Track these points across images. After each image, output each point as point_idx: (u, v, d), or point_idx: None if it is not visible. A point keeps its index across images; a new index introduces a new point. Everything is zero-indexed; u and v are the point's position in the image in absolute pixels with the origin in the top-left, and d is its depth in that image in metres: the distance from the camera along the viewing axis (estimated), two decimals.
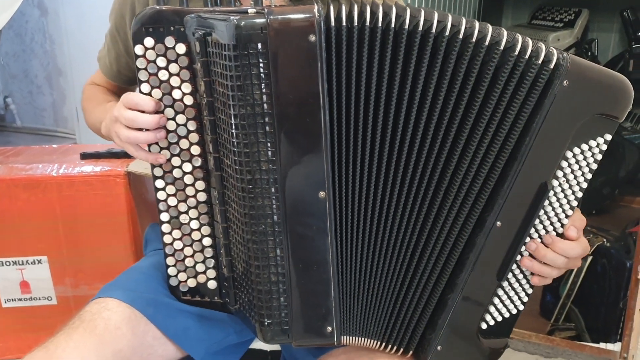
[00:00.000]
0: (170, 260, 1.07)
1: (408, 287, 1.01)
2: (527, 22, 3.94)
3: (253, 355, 1.27)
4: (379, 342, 1.04)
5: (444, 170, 0.94)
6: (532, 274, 1.00)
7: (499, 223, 0.95)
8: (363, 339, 1.04)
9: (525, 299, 1.03)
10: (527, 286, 1.02)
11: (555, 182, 0.95)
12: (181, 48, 0.97)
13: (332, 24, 0.86)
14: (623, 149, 3.22)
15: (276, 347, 1.28)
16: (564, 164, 0.94)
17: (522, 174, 0.93)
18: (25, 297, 2.07)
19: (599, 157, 0.94)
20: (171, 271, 1.08)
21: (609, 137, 0.93)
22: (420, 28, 0.87)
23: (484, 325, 1.03)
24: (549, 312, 2.34)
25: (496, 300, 1.02)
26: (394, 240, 0.98)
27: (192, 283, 1.08)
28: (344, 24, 0.87)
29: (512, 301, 1.03)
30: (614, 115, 0.92)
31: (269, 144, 0.90)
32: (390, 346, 1.04)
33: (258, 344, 1.26)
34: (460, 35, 0.87)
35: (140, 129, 0.98)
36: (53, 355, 0.97)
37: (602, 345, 2.09)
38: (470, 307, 1.01)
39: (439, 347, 1.02)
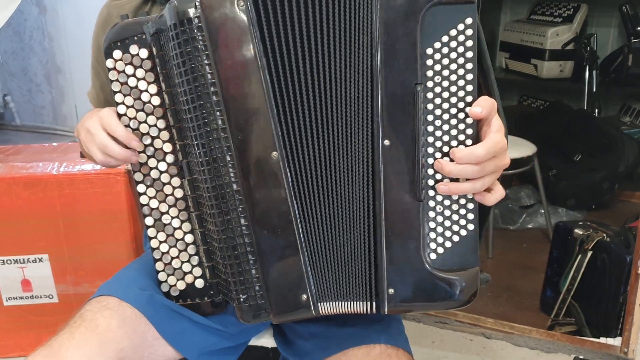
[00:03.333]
0: (159, 265, 1.09)
1: (357, 232, 0.99)
2: (526, 18, 3.95)
3: (254, 353, 1.28)
4: (359, 303, 1.01)
5: (346, 103, 0.96)
6: (462, 205, 0.97)
7: (387, 142, 0.94)
8: (342, 303, 1.01)
9: (471, 217, 0.97)
10: (463, 201, 0.97)
11: (430, 83, 0.93)
12: (144, 53, 1.03)
13: None
14: (622, 143, 3.23)
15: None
16: (429, 61, 0.92)
17: (385, 86, 0.93)
18: (26, 295, 2.07)
19: (470, 43, 0.92)
20: (161, 276, 1.09)
21: (469, 20, 0.91)
22: None
23: (433, 256, 0.98)
24: (549, 307, 2.35)
25: (433, 224, 0.97)
26: (342, 185, 0.98)
27: (181, 285, 1.09)
28: None
29: (453, 222, 0.97)
30: (452, 1, 0.91)
31: (218, 113, 0.94)
32: (364, 303, 1.01)
33: (259, 341, 1.27)
34: None
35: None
36: (57, 354, 0.97)
37: (602, 339, 2.10)
38: (402, 236, 0.97)
39: (390, 291, 0.98)
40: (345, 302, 1.02)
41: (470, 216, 0.97)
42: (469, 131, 0.94)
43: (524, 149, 2.84)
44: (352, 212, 0.99)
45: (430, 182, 0.96)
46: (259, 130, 0.95)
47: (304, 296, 0.99)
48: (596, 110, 3.62)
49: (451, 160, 0.93)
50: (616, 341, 2.06)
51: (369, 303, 1.01)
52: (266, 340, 1.26)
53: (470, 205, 0.97)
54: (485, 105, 0.92)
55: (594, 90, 3.57)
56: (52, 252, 2.02)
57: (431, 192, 0.96)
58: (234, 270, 0.99)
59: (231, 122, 0.94)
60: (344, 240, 1.00)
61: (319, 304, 1.01)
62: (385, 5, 0.92)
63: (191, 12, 0.92)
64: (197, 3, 0.92)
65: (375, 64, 0.93)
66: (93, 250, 2.01)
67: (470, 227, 0.98)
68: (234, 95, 0.94)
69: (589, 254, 2.20)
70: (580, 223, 2.34)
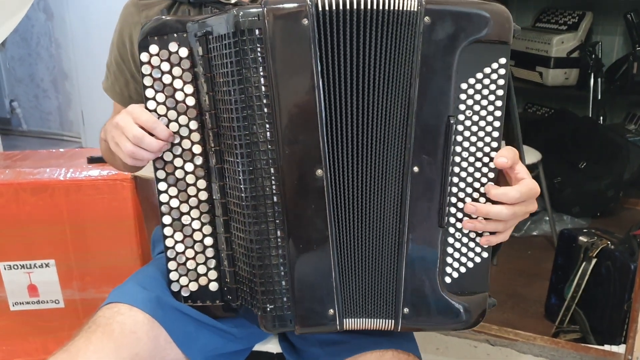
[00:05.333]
0: (171, 265, 1.08)
1: (385, 253, 1.02)
2: (531, 25, 3.96)
3: (259, 357, 1.28)
4: (382, 320, 1.04)
5: (383, 128, 0.98)
6: (479, 234, 1.01)
7: (415, 168, 0.97)
8: (365, 320, 1.04)
9: (486, 245, 1.02)
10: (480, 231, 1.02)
11: (461, 117, 0.97)
12: (184, 52, 1.01)
13: (320, 8, 0.92)
14: (627, 151, 3.23)
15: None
16: (463, 96, 0.96)
17: (419, 115, 0.96)
18: (32, 300, 2.08)
19: (501, 82, 0.96)
20: (173, 276, 1.09)
21: (503, 60, 0.95)
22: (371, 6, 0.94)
23: (448, 280, 1.02)
24: (554, 314, 2.35)
25: (450, 250, 1.01)
26: (375, 207, 1.00)
27: (193, 287, 1.09)
28: (334, 8, 0.92)
29: (469, 248, 1.02)
30: (494, 39, 0.95)
31: (267, 125, 0.95)
32: (385, 321, 1.04)
33: (264, 347, 1.27)
34: (374, 6, 0.93)
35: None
36: (75, 359, 0.98)
37: (606, 347, 2.09)
38: (422, 259, 1.00)
39: (405, 310, 1.01)
40: (369, 319, 1.04)
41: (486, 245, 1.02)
42: (493, 165, 0.98)
43: (529, 156, 2.85)
44: (382, 234, 1.01)
45: (453, 210, 1.00)
46: (307, 147, 0.95)
47: (331, 311, 1.01)
48: (601, 118, 3.62)
49: (482, 195, 0.99)
50: (620, 348, 2.06)
51: (391, 321, 1.03)
52: (271, 346, 1.27)
53: (487, 234, 1.01)
54: (509, 157, 0.96)
55: (599, 97, 3.58)
56: (58, 258, 2.03)
57: (452, 220, 1.00)
58: (264, 279, 1.00)
59: (281, 136, 0.94)
60: (373, 260, 1.02)
61: (344, 320, 1.02)
62: (427, 39, 0.94)
63: (253, 23, 0.92)
64: (260, 16, 0.91)
65: (413, 94, 0.95)
66: (99, 255, 2.02)
67: (485, 255, 1.03)
68: (287, 111, 0.94)
69: (594, 261, 2.20)
70: (585, 230, 2.34)
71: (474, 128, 0.97)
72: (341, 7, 0.93)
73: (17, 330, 2.11)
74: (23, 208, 1.96)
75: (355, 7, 0.93)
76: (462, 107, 0.96)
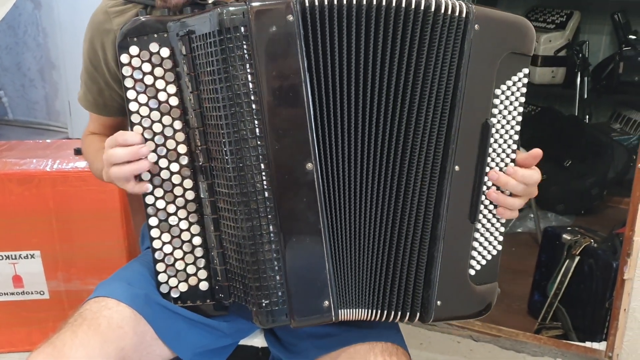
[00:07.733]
0: (160, 267, 1.07)
1: (397, 250, 1.05)
2: None
3: (244, 352, 1.29)
4: (379, 311, 1.06)
5: (407, 127, 1.02)
6: (496, 207, 1.08)
7: (457, 167, 1.03)
8: (361, 310, 1.05)
9: (500, 238, 1.10)
10: (498, 225, 1.09)
11: (494, 120, 1.04)
12: (165, 52, 1.02)
13: (308, 4, 0.95)
14: (612, 150, 3.25)
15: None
16: (496, 101, 1.04)
17: (464, 117, 1.02)
18: (17, 291, 2.08)
19: (524, 90, 1.06)
20: (161, 277, 1.08)
21: (526, 70, 1.06)
22: (383, 3, 0.97)
23: (472, 272, 1.08)
24: (537, 311, 2.36)
25: (476, 244, 1.08)
26: (377, 203, 1.03)
27: (183, 287, 1.08)
28: (325, 4, 0.95)
29: (489, 242, 1.09)
30: (523, 51, 1.05)
31: (255, 122, 0.95)
32: (393, 313, 1.06)
33: (250, 341, 1.28)
34: (403, 4, 0.98)
35: (124, 162, 1.01)
36: (60, 352, 0.98)
37: (588, 344, 2.12)
38: (455, 255, 1.06)
39: (438, 303, 1.05)
40: (365, 310, 1.06)
41: (500, 238, 1.10)
42: (512, 164, 1.08)
43: None
44: (387, 228, 1.04)
45: (481, 207, 1.06)
46: (296, 142, 0.96)
47: (326, 302, 1.02)
48: (587, 117, 3.64)
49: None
50: (601, 345, 2.08)
51: (379, 311, 1.07)
52: (257, 340, 1.27)
53: (502, 229, 1.10)
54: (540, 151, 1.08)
55: (585, 96, 3.59)
56: (44, 249, 2.03)
57: (480, 216, 1.07)
58: (258, 275, 1.00)
59: (269, 131, 0.95)
60: (371, 252, 1.04)
61: (340, 310, 1.03)
62: (478, 41, 1.01)
63: (238, 21, 0.92)
64: (245, 13, 0.92)
65: (460, 96, 1.01)
66: (85, 247, 2.02)
67: (499, 247, 1.10)
68: (275, 106, 0.95)
69: (577, 259, 2.22)
70: (569, 228, 2.36)
71: (502, 131, 1.05)
72: (336, 3, 0.94)
73: (1, 321, 2.11)
74: (9, 198, 1.96)
75: (354, 4, 0.95)
76: (495, 110, 1.04)
